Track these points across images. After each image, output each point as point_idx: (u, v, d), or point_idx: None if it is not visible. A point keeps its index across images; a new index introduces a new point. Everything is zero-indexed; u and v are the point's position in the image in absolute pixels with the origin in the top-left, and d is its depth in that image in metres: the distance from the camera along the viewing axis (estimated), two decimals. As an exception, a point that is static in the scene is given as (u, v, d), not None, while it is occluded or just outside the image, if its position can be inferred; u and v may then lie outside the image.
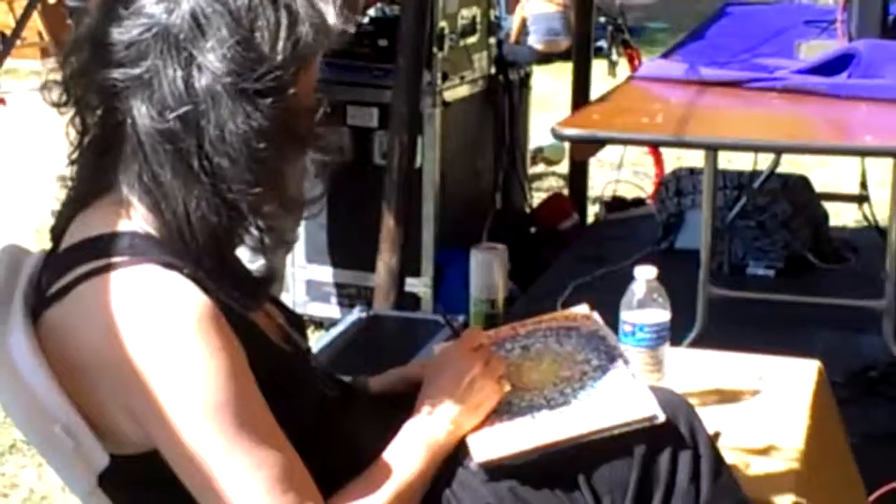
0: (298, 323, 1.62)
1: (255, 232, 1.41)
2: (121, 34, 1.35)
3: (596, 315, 1.80)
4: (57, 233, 1.45)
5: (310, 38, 1.38)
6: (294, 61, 1.37)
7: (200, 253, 1.37)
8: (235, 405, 1.33)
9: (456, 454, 1.54)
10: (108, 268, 1.34)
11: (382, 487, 1.45)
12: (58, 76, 1.41)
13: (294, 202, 1.45)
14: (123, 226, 1.37)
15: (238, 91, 1.33)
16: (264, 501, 1.34)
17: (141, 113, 1.34)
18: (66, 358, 1.37)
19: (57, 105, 1.42)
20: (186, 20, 1.34)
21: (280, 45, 1.36)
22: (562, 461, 1.53)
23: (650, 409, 1.55)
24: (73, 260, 1.37)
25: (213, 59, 1.33)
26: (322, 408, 1.51)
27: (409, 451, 1.49)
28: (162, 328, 1.31)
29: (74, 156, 1.44)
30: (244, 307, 1.41)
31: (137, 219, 1.38)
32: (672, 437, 1.57)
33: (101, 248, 1.36)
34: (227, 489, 1.33)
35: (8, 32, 3.65)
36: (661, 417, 1.55)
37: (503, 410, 1.60)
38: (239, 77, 1.33)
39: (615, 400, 1.58)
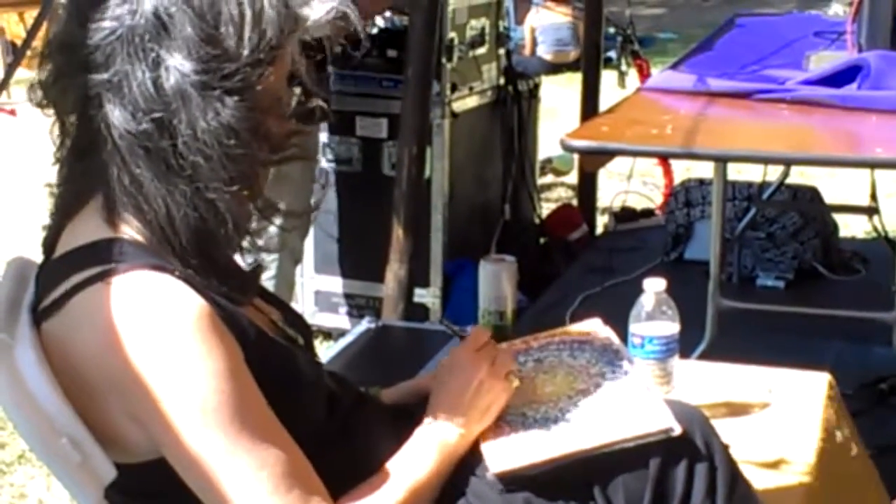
0: (299, 321, 1.62)
1: (233, 235, 1.40)
2: (88, 38, 1.35)
3: (608, 329, 1.80)
4: (48, 244, 1.46)
5: (276, 30, 1.38)
6: (261, 56, 1.37)
7: (185, 252, 1.37)
8: (234, 405, 1.33)
9: (471, 464, 1.54)
10: (100, 276, 1.34)
11: (394, 487, 1.45)
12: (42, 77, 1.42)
13: (270, 208, 1.45)
14: (110, 232, 1.38)
15: (207, 88, 1.34)
16: (270, 500, 1.34)
17: (115, 116, 1.35)
18: (67, 368, 1.37)
19: (40, 106, 1.42)
20: (150, 20, 1.34)
21: (246, 39, 1.36)
22: (577, 472, 1.53)
23: (666, 422, 1.55)
24: (64, 271, 1.38)
25: (179, 59, 1.33)
26: (333, 411, 1.51)
27: (420, 454, 1.49)
28: (157, 332, 1.32)
29: (58, 155, 1.44)
30: (233, 302, 1.41)
31: (122, 224, 1.38)
32: (688, 449, 1.57)
33: (91, 258, 1.36)
34: (231, 489, 1.33)
35: (19, 43, 3.66)
36: (678, 430, 1.55)
37: (518, 422, 1.60)
38: (207, 75, 1.34)
39: (631, 412, 1.58)
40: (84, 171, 1.40)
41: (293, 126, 1.46)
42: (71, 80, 1.37)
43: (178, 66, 1.33)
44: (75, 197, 1.43)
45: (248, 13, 1.36)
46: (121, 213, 1.38)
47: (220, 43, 1.35)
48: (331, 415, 1.51)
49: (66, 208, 1.44)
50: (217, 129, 1.34)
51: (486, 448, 1.56)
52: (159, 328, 1.32)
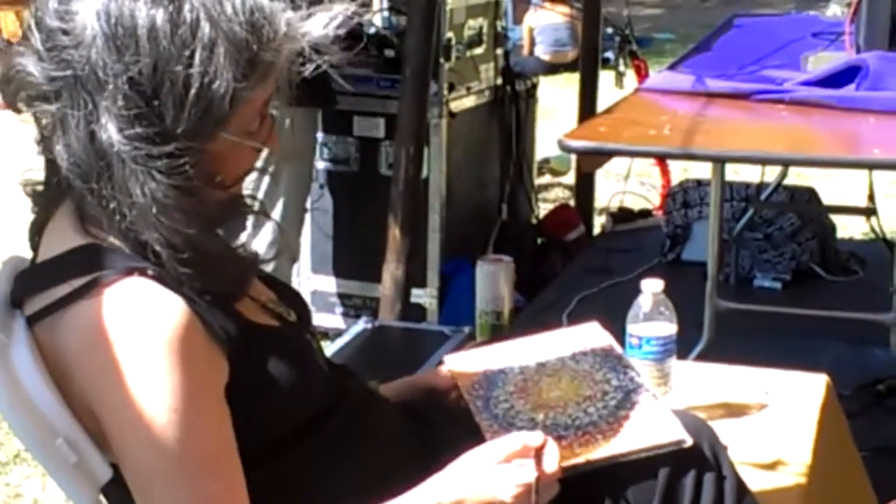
0: (295, 298, 1.60)
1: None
2: (41, 70, 1.32)
3: (607, 333, 1.79)
4: (33, 235, 1.45)
5: (226, 103, 1.30)
6: (202, 131, 1.31)
7: (156, 259, 1.35)
8: (186, 426, 1.30)
9: None
10: (86, 288, 1.32)
11: None
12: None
13: (209, 254, 1.37)
14: (86, 238, 1.37)
15: (135, 162, 1.30)
16: None
17: (57, 150, 1.34)
18: (58, 370, 1.36)
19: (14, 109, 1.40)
20: (91, 76, 1.29)
21: (185, 114, 1.29)
22: (587, 482, 1.52)
23: (678, 434, 1.55)
24: (50, 278, 1.37)
25: (110, 125, 1.29)
26: (341, 405, 1.50)
27: None
28: (131, 342, 1.30)
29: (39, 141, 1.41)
30: (223, 295, 1.39)
31: (94, 229, 1.37)
32: (697, 459, 1.56)
33: (75, 268, 1.35)
34: None
35: (15, 42, 3.65)
36: (689, 441, 1.54)
37: (527, 428, 1.58)
38: (134, 151, 1.29)
39: (642, 423, 1.58)
40: (57, 169, 1.39)
41: (236, 192, 1.42)
42: (27, 96, 1.35)
43: (107, 131, 1.29)
44: (53, 192, 1.42)
45: (196, 85, 1.29)
46: (91, 219, 1.37)
47: (153, 120, 1.29)
48: (336, 410, 1.49)
49: (47, 204, 1.43)
50: (144, 201, 1.30)
51: None
52: (133, 339, 1.30)
